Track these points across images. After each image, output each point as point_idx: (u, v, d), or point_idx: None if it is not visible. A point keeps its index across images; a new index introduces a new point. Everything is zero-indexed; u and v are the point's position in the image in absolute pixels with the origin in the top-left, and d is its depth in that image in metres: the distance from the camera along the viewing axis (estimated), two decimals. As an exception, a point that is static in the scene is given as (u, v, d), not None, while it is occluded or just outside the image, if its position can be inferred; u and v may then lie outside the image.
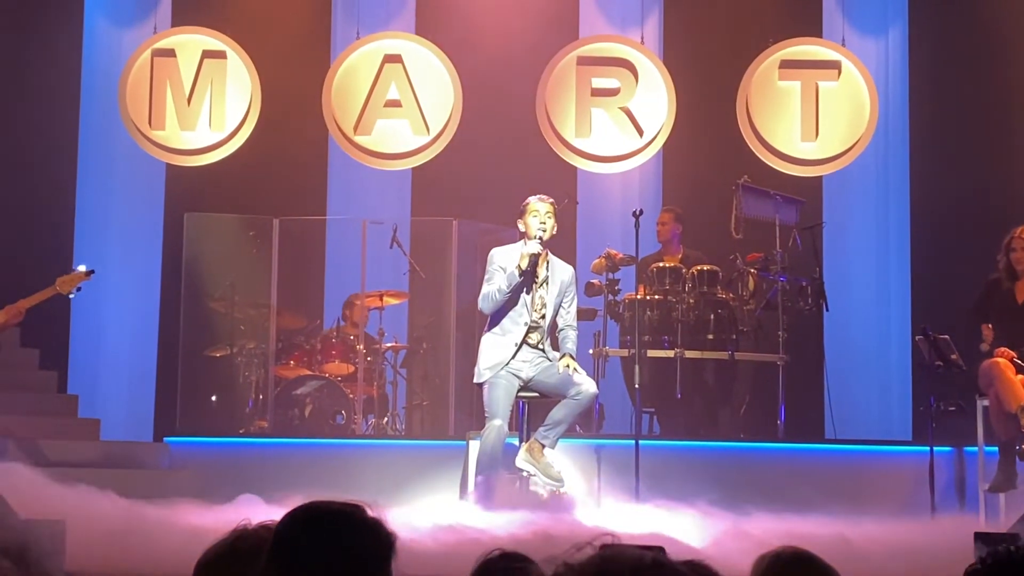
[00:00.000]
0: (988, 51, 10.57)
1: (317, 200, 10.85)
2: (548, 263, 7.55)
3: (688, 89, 10.67)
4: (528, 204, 7.54)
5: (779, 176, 10.40)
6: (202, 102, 10.62)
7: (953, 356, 7.99)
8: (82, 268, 7.54)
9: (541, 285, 7.53)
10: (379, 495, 6.31)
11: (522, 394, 7.50)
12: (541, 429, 7.39)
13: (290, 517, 2.49)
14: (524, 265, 7.37)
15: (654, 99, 10.62)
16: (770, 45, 10.66)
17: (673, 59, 10.81)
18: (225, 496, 7.36)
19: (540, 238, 7.44)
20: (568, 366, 7.39)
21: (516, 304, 7.45)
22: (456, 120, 10.64)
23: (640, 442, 7.96)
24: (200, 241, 10.12)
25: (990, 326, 8.03)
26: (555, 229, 7.55)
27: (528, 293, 7.46)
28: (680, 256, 9.62)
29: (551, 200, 7.57)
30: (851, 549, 6.07)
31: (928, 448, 7.93)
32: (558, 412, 7.37)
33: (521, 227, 7.54)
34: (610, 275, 9.13)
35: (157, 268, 10.66)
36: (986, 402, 7.98)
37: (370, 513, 2.48)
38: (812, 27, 10.86)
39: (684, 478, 7.78)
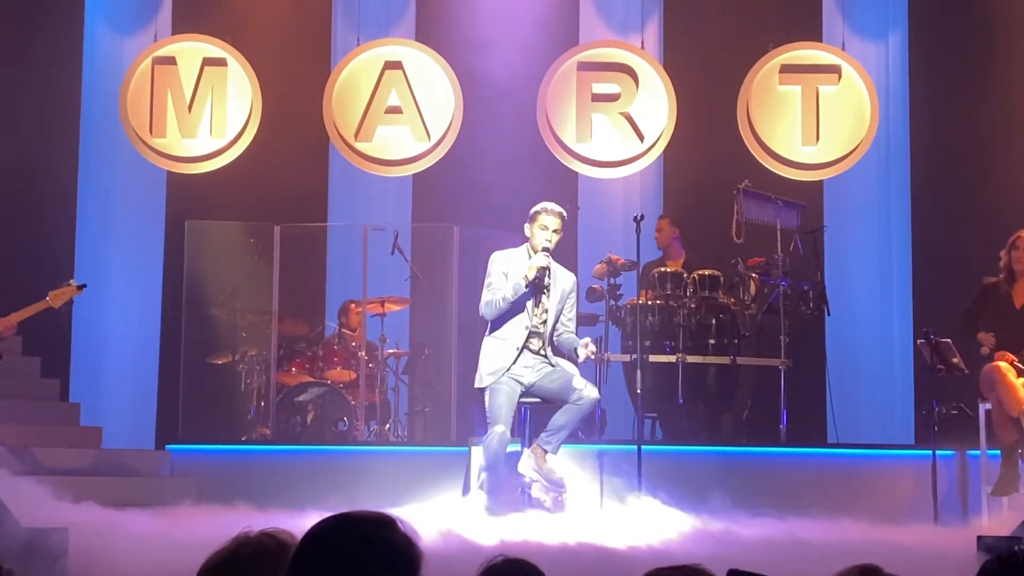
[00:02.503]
0: (988, 54, 10.58)
1: (318, 206, 10.85)
2: (550, 270, 7.54)
3: (688, 94, 10.67)
4: (539, 215, 7.47)
5: (780, 180, 10.41)
6: (203, 109, 10.63)
7: (955, 360, 7.99)
8: (73, 283, 7.54)
9: (542, 291, 7.52)
10: (382, 501, 6.31)
11: (524, 400, 7.49)
12: (543, 435, 7.38)
13: (319, 528, 2.46)
14: (531, 276, 7.36)
15: (655, 104, 10.63)
16: (770, 50, 10.67)
17: (673, 64, 10.82)
18: (227, 503, 7.37)
19: (547, 250, 7.42)
20: (586, 346, 7.32)
21: (518, 309, 7.44)
22: (457, 126, 10.65)
23: (642, 447, 7.95)
24: (201, 248, 10.12)
25: (991, 334, 8.02)
26: (559, 241, 7.54)
27: (531, 299, 7.46)
28: (683, 260, 9.62)
29: (562, 212, 7.51)
30: (853, 553, 6.06)
31: (931, 452, 7.92)
32: (560, 417, 7.36)
33: (527, 232, 7.52)
34: (611, 280, 9.13)
35: (158, 276, 10.66)
36: (988, 406, 7.97)
37: (401, 528, 2.45)
38: (812, 31, 10.87)
39: (686, 483, 7.77)
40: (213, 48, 10.70)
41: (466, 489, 7.77)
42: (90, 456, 8.48)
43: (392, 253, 9.97)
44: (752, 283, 9.19)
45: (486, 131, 10.65)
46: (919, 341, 8.27)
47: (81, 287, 7.51)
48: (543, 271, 7.40)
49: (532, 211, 7.51)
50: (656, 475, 7.84)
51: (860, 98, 10.61)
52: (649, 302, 9.03)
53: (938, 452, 7.92)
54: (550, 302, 7.49)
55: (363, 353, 9.72)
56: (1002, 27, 10.61)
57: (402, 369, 10.23)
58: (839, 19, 10.88)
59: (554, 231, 7.44)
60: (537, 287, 7.43)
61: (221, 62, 10.69)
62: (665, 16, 11.02)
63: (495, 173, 10.46)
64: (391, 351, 10.01)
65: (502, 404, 7.31)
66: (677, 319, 8.94)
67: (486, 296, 7.46)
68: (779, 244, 9.19)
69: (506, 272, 7.43)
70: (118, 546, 6.04)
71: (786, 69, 10.68)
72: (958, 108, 10.53)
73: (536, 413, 7.68)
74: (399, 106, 10.67)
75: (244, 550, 2.70)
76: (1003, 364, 7.83)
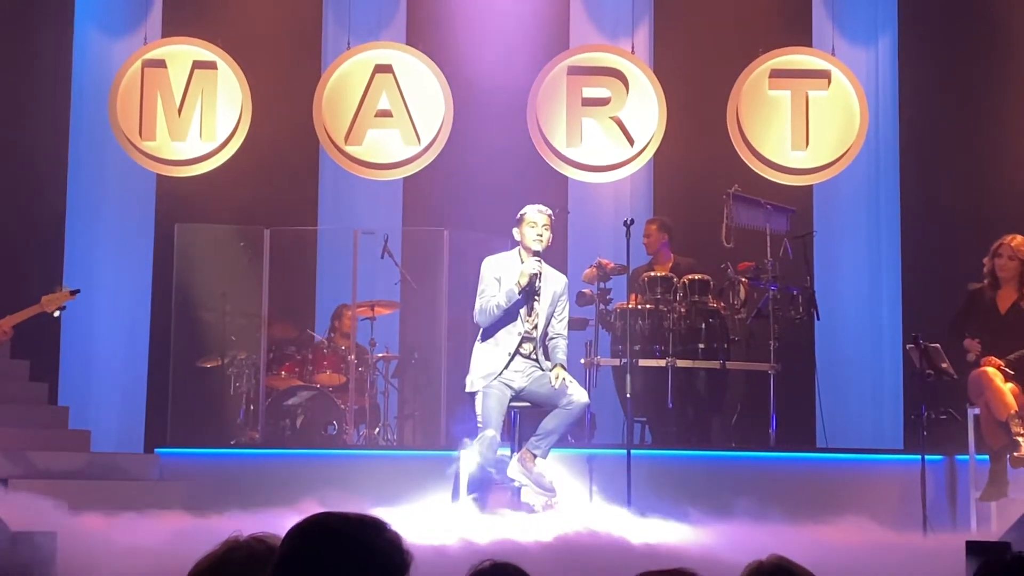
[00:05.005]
0: (977, 59, 10.60)
1: (308, 210, 10.84)
2: (541, 273, 7.53)
3: (678, 98, 10.69)
4: (525, 215, 7.49)
5: (770, 185, 10.42)
6: (192, 112, 10.61)
7: (944, 364, 8.00)
8: (67, 288, 7.53)
9: (534, 297, 7.51)
10: (371, 505, 6.30)
11: (513, 404, 7.48)
12: (533, 439, 7.37)
13: (302, 528, 2.44)
14: (523, 283, 7.36)
15: (645, 108, 10.64)
16: (760, 54, 10.68)
17: (663, 68, 10.83)
18: (216, 507, 7.35)
19: (538, 253, 7.42)
20: (559, 377, 7.37)
21: (510, 315, 7.44)
22: (447, 130, 10.64)
23: (632, 451, 7.95)
24: (191, 252, 10.10)
25: (977, 341, 8.03)
26: (550, 240, 7.53)
27: (523, 305, 7.45)
28: (671, 264, 9.63)
29: (548, 211, 7.52)
30: (842, 558, 6.07)
31: (919, 457, 7.93)
32: (550, 422, 7.36)
33: (517, 236, 7.52)
34: (601, 285, 9.14)
35: (148, 279, 10.64)
36: (977, 410, 7.99)
37: (387, 532, 2.42)
38: (802, 36, 10.89)
39: (676, 487, 7.78)
40: (203, 51, 10.69)
41: (455, 494, 7.76)
42: (79, 459, 8.46)
43: (382, 257, 9.96)
44: (742, 287, 9.20)
45: (476, 135, 10.65)
46: (908, 346, 8.28)
47: (74, 292, 7.51)
48: (535, 277, 7.40)
49: (518, 214, 7.52)
50: (645, 479, 7.85)
51: (850, 103, 10.63)
52: (639, 306, 9.03)
53: (927, 457, 7.93)
54: (541, 306, 7.49)
55: (353, 357, 9.71)
56: (991, 32, 10.63)
57: (392, 373, 10.23)
58: (829, 24, 10.90)
59: (543, 226, 7.43)
60: (529, 293, 7.43)
61: (211, 65, 10.68)
62: (655, 20, 11.04)
63: (485, 177, 10.47)
64: (381, 355, 10.01)
65: (493, 408, 7.31)
66: (667, 323, 8.95)
67: (479, 303, 7.46)
68: (769, 249, 9.21)
69: (499, 277, 7.42)
70: (106, 550, 6.03)
71: (776, 74, 10.70)
72: (947, 113, 10.55)
73: (526, 417, 7.67)
74: (389, 110, 10.67)
75: (234, 554, 2.69)
76: (991, 369, 7.84)
